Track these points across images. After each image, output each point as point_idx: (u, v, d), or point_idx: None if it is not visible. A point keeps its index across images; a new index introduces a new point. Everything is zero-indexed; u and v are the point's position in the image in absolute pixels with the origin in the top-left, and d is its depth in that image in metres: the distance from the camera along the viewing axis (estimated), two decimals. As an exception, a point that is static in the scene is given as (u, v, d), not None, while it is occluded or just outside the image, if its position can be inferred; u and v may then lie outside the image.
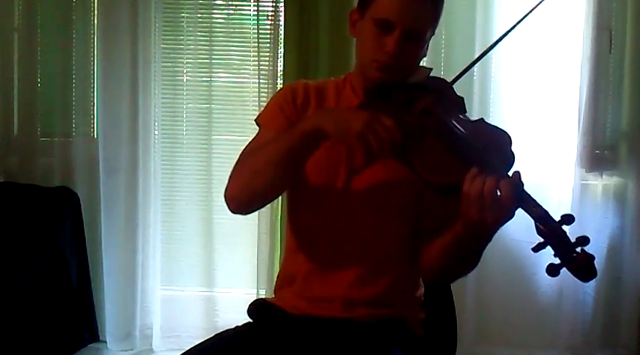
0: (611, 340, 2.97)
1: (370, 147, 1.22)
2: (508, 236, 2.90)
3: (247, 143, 1.50)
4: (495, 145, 1.28)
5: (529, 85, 2.91)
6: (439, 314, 1.63)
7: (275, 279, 1.61)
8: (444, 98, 1.38)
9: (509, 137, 1.31)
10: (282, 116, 1.48)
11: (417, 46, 1.44)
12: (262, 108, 1.56)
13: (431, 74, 1.50)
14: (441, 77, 1.53)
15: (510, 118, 2.92)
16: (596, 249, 2.90)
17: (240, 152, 1.47)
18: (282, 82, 2.89)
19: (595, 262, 1.19)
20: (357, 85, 1.52)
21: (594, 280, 2.89)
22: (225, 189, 1.42)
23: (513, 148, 1.29)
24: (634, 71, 2.89)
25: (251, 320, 1.56)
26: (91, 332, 2.97)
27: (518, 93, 2.92)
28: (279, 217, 2.90)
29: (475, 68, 2.89)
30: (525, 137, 2.91)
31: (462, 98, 1.44)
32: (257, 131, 1.53)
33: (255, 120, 1.54)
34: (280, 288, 1.57)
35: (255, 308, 1.57)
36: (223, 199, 1.42)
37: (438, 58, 2.93)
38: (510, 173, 1.23)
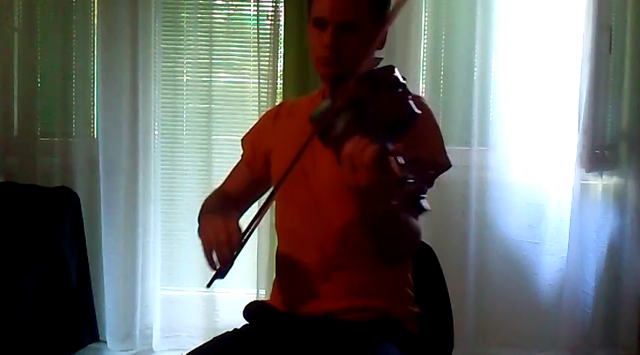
0: (610, 340, 2.96)
1: (209, 246, 1.39)
2: (508, 236, 2.91)
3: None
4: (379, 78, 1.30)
5: (529, 85, 2.91)
6: (435, 312, 1.63)
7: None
8: (369, 80, 1.34)
9: (391, 68, 1.32)
10: (249, 145, 1.68)
11: (356, 38, 1.45)
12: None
13: (384, 64, 1.43)
14: (391, 65, 1.42)
15: (510, 118, 2.92)
16: (596, 248, 2.91)
17: None
18: (282, 82, 2.89)
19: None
20: (326, 91, 1.57)
21: (594, 280, 2.92)
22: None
23: (397, 74, 1.31)
24: (634, 71, 2.89)
25: (248, 323, 1.58)
26: (91, 332, 2.97)
27: (518, 93, 2.92)
28: (279, 217, 2.90)
29: (475, 68, 2.89)
30: (525, 137, 2.92)
31: (397, 78, 1.36)
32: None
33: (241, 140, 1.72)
34: (274, 288, 1.62)
35: (250, 309, 1.60)
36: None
37: (438, 59, 2.93)
38: None
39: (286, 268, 1.58)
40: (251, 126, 1.74)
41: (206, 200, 1.67)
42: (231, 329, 1.57)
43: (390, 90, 1.36)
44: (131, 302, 2.98)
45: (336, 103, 1.32)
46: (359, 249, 1.48)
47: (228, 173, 1.73)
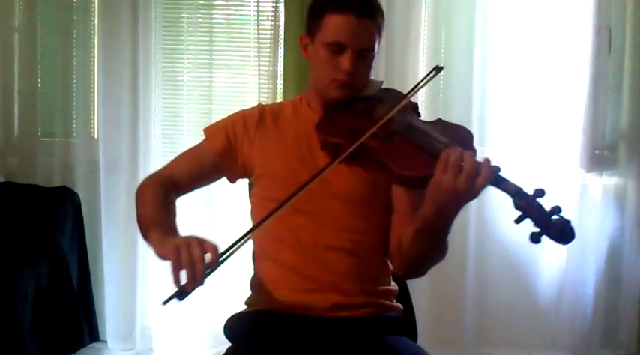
0: (610, 340, 2.97)
1: (180, 262, 1.24)
2: (508, 236, 2.90)
3: (190, 147, 1.65)
4: (459, 138, 1.39)
5: (528, 85, 2.91)
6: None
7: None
8: (399, 104, 1.47)
9: (470, 132, 1.44)
10: (223, 137, 1.60)
11: (368, 62, 1.54)
12: (214, 121, 1.67)
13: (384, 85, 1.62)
14: (394, 88, 1.64)
15: (510, 119, 2.92)
16: (596, 249, 2.91)
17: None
18: (281, 82, 2.90)
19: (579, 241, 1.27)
20: (313, 103, 1.61)
21: (594, 280, 2.92)
22: (143, 180, 1.68)
23: (475, 143, 1.41)
24: (633, 71, 2.89)
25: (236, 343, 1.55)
26: (92, 332, 2.97)
27: (517, 94, 2.92)
28: (279, 217, 2.90)
29: (475, 69, 2.89)
30: (525, 137, 2.92)
31: (416, 103, 1.59)
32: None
33: (203, 129, 1.65)
34: (259, 293, 1.60)
35: (236, 324, 1.59)
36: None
37: (438, 59, 2.93)
38: None
39: (278, 271, 1.55)
40: (220, 119, 1.66)
41: (145, 196, 1.59)
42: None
43: (417, 115, 1.54)
44: (131, 301, 2.99)
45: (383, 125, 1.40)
46: (367, 256, 1.53)
47: (176, 158, 1.66)
